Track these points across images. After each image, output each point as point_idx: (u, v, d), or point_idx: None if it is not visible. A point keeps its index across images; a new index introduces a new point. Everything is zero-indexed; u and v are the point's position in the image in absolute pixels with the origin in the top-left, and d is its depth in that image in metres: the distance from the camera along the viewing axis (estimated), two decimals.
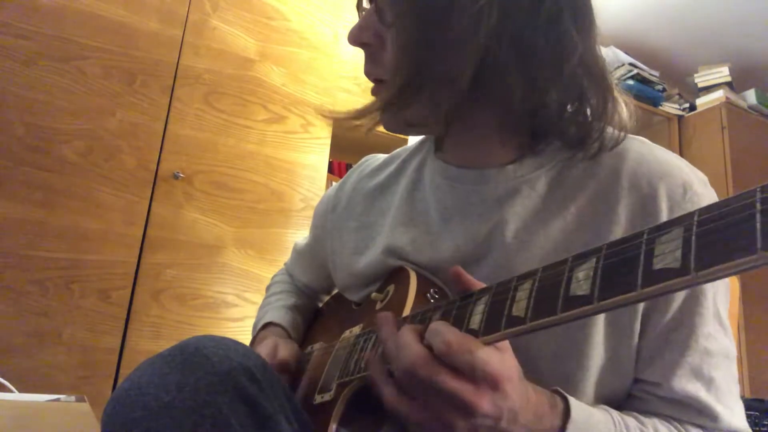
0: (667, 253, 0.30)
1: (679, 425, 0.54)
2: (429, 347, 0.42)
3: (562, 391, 0.49)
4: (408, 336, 0.44)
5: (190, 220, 1.77)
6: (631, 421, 0.52)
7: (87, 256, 1.59)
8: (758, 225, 0.26)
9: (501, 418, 0.42)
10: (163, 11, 1.81)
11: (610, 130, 0.61)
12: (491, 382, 0.40)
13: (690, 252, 0.29)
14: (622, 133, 0.61)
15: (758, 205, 0.26)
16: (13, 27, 1.58)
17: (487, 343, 0.41)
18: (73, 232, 1.58)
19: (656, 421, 0.53)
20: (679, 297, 0.54)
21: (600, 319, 0.54)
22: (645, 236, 0.32)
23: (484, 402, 0.40)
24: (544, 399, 0.46)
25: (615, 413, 0.52)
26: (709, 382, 0.54)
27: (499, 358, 0.41)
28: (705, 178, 0.57)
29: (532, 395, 0.45)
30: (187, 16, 1.85)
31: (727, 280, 0.57)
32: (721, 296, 0.56)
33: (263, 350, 0.73)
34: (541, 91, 0.55)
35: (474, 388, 0.40)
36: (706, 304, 0.54)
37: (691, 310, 0.54)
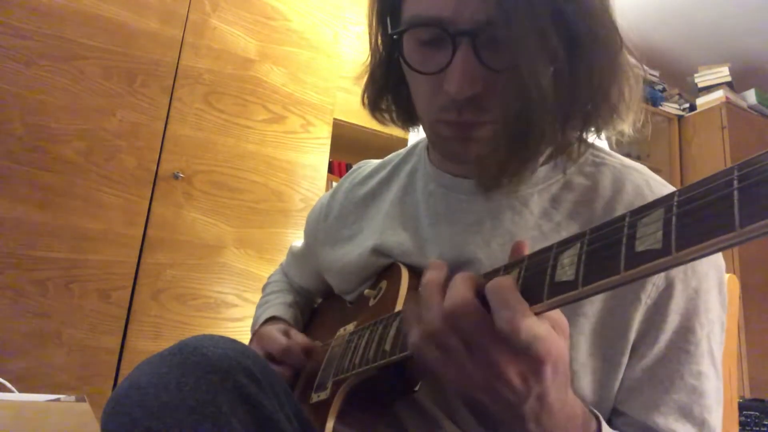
0: (649, 235, 0.30)
1: None
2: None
3: (598, 414, 0.47)
4: (460, 280, 0.40)
5: (190, 220, 1.77)
6: None
7: (87, 256, 1.59)
8: (736, 203, 0.26)
9: (525, 400, 0.38)
10: (163, 11, 1.81)
11: (606, 148, 0.61)
12: (534, 358, 0.37)
13: (671, 232, 0.29)
14: (618, 157, 0.60)
15: (736, 183, 0.27)
16: (13, 27, 1.58)
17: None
18: (73, 232, 1.58)
19: None
20: (669, 331, 0.53)
21: (582, 347, 0.53)
22: (627, 219, 0.33)
23: (515, 372, 0.37)
24: (579, 413, 0.44)
25: None
26: (701, 425, 0.52)
27: (555, 339, 0.38)
28: None
29: (571, 401, 0.42)
30: (187, 16, 1.85)
31: (723, 320, 0.56)
32: (715, 336, 0.54)
33: (276, 327, 0.74)
34: (563, 110, 0.54)
35: (511, 355, 0.37)
36: (696, 341, 0.53)
37: (679, 346, 0.53)
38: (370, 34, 0.65)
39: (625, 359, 0.53)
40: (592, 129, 0.57)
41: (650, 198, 0.54)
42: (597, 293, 0.33)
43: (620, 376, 0.54)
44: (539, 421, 0.40)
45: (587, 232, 0.35)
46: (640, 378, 0.53)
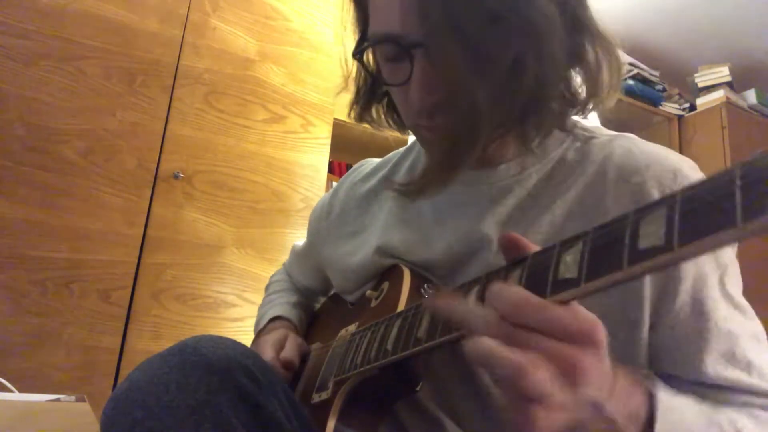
0: (652, 233, 0.30)
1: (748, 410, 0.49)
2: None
3: (649, 385, 0.43)
4: (495, 284, 0.36)
5: (190, 220, 1.77)
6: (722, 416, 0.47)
7: (87, 256, 1.59)
8: (738, 199, 0.26)
9: (602, 393, 0.34)
10: (163, 11, 1.81)
11: (597, 125, 0.62)
12: (590, 338, 0.33)
13: (673, 229, 0.29)
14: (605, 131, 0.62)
15: (738, 181, 0.27)
16: (13, 27, 1.58)
17: None
18: (73, 232, 1.58)
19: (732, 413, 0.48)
20: (687, 283, 0.52)
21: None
22: (631, 217, 0.33)
23: (593, 366, 0.33)
24: (630, 386, 0.40)
25: (709, 412, 0.47)
26: (748, 366, 0.51)
27: (587, 312, 0.35)
28: (695, 165, 0.57)
29: (620, 376, 0.38)
30: (187, 16, 1.85)
31: (734, 259, 0.56)
32: (729, 278, 0.54)
33: (271, 339, 0.74)
34: (540, 91, 0.54)
35: (578, 348, 0.33)
36: (712, 285, 0.52)
37: (699, 295, 0.52)
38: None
39: (644, 317, 0.52)
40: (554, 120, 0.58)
41: (640, 158, 0.56)
42: (600, 290, 0.33)
43: (641, 335, 0.52)
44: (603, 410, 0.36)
45: (590, 231, 0.35)
46: (673, 336, 0.52)
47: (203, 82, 1.85)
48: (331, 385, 0.60)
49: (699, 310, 0.52)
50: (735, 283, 0.55)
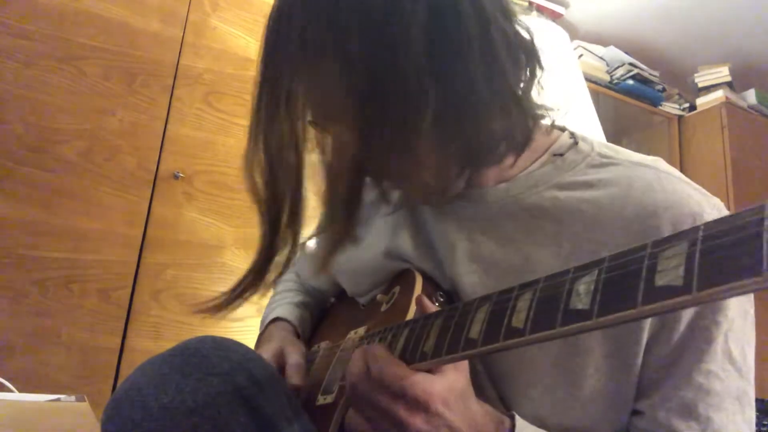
0: (670, 269, 0.28)
1: None
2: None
3: (514, 413, 0.51)
4: (356, 354, 0.49)
5: (190, 220, 1.77)
6: None
7: (87, 256, 1.59)
8: (765, 245, 0.24)
9: None
10: (163, 11, 1.81)
11: (618, 147, 0.61)
12: (423, 404, 0.43)
13: (693, 269, 0.27)
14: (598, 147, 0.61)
15: (766, 223, 0.25)
16: (13, 27, 1.58)
17: (428, 367, 0.45)
18: (73, 232, 1.58)
19: None
20: (682, 329, 0.51)
21: (596, 350, 0.52)
22: (648, 250, 0.31)
23: (417, 420, 0.44)
24: (490, 419, 0.49)
25: None
26: (704, 423, 0.50)
27: (430, 383, 0.44)
28: (720, 205, 0.54)
29: (477, 415, 0.47)
30: (187, 16, 1.85)
31: (747, 314, 0.54)
32: (735, 333, 0.52)
33: (266, 353, 0.72)
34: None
35: (406, 408, 0.44)
36: (712, 339, 0.51)
37: (692, 345, 0.51)
38: None
39: (638, 360, 0.52)
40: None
41: (660, 197, 0.53)
42: (611, 326, 0.32)
43: (634, 378, 0.53)
44: None
45: (606, 258, 0.34)
46: (656, 377, 0.52)
47: (203, 82, 1.85)
48: (335, 389, 0.60)
49: (687, 358, 0.51)
50: (740, 339, 0.52)
